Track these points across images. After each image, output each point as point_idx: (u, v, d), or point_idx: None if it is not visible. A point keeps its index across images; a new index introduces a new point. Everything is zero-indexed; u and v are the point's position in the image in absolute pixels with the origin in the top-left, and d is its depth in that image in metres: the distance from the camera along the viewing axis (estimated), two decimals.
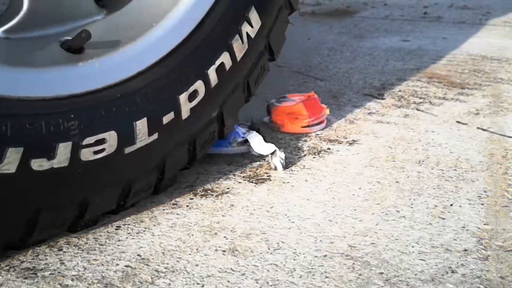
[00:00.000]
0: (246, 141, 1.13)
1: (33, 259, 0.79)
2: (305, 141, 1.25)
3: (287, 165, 1.10)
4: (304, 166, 1.11)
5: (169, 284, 0.74)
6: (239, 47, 0.95)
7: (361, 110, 1.47)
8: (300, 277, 0.76)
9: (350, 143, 1.23)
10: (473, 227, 0.89)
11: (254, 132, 1.14)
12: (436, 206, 0.95)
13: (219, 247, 0.83)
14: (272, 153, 1.09)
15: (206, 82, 0.92)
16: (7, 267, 0.77)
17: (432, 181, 1.05)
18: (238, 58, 0.96)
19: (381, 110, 1.48)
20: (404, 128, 1.34)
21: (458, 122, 1.40)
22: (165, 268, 0.78)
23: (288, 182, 1.04)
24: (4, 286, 0.73)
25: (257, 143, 1.12)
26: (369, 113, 1.44)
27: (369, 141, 1.25)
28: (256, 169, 1.10)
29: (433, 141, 1.27)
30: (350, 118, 1.41)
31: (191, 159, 0.96)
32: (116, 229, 0.87)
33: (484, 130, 1.33)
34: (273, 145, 1.11)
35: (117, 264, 0.79)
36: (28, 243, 0.79)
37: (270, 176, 1.07)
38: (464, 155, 1.18)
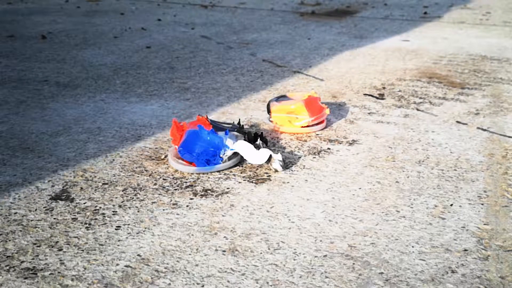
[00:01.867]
0: (237, 152, 1.11)
1: (33, 259, 0.79)
2: (305, 141, 1.25)
3: (287, 165, 1.10)
4: (304, 166, 1.11)
5: (169, 284, 0.74)
6: None
7: (361, 110, 1.47)
8: (300, 277, 0.76)
9: (350, 143, 1.23)
10: (473, 227, 0.89)
11: (242, 141, 1.12)
12: (436, 206, 0.95)
13: (219, 247, 0.83)
14: (269, 159, 1.09)
15: None
16: (7, 267, 0.77)
17: (432, 181, 1.05)
18: None
19: (381, 110, 1.47)
20: (404, 128, 1.34)
21: (458, 122, 1.40)
22: (165, 268, 0.78)
23: (288, 182, 1.04)
24: (4, 286, 0.73)
25: (249, 154, 1.10)
26: (369, 113, 1.44)
27: (369, 141, 1.25)
28: (256, 169, 1.10)
29: (433, 141, 1.26)
30: (350, 118, 1.41)
31: None
32: (116, 229, 0.87)
33: (484, 130, 1.33)
34: (267, 150, 1.10)
35: (117, 264, 0.78)
36: None
37: (270, 176, 1.07)
38: (464, 155, 1.18)
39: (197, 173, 1.07)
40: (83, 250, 0.82)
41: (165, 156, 1.14)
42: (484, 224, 0.90)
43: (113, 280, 0.75)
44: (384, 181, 1.05)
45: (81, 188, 1.01)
